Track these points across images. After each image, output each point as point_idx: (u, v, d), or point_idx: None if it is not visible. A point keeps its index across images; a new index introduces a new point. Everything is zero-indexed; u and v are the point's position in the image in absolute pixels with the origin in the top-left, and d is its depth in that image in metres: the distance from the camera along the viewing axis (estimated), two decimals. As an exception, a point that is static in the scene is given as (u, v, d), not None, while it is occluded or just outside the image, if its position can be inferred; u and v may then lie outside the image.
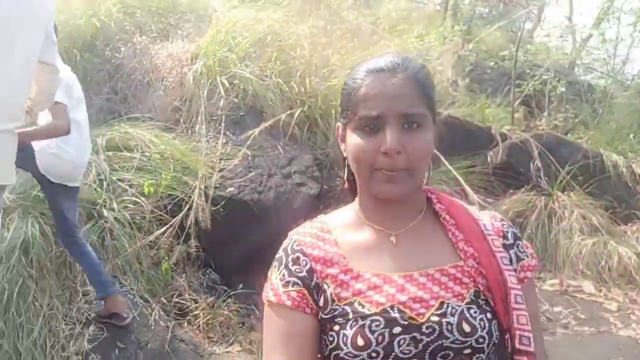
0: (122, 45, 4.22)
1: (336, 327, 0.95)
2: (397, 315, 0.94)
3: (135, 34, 4.33)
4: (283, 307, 0.98)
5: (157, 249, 3.24)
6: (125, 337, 2.83)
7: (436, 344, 0.92)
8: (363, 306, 0.95)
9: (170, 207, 3.35)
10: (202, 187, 3.40)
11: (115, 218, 3.22)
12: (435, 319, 0.94)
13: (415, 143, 0.97)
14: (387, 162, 0.95)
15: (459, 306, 0.96)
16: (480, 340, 0.93)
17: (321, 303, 0.99)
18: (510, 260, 1.06)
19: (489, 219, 1.12)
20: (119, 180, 3.39)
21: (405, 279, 0.99)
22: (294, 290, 0.99)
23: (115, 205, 3.26)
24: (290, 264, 1.01)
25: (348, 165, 1.07)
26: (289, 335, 0.97)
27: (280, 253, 1.04)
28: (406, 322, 0.94)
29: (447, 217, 1.09)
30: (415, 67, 1.01)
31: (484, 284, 1.01)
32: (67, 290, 2.93)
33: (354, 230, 1.07)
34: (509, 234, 1.10)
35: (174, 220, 3.30)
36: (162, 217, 3.31)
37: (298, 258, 1.02)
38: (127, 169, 3.44)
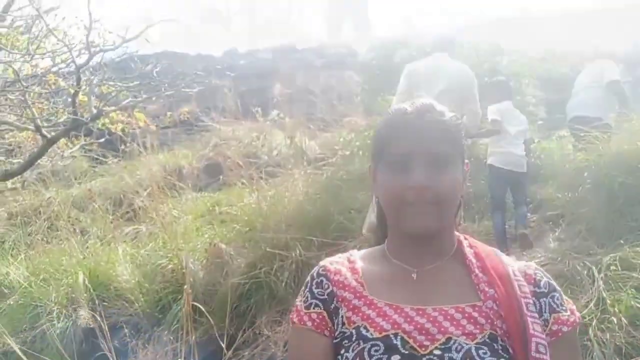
0: None
1: (342, 350, 0.99)
2: (398, 342, 0.93)
3: None
4: (304, 328, 1.04)
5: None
6: None
7: None
8: (367, 330, 0.97)
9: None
10: None
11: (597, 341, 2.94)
12: (438, 352, 0.91)
13: (443, 180, 0.98)
14: (416, 197, 0.98)
15: (467, 344, 0.91)
16: None
17: (335, 326, 1.03)
18: (541, 310, 0.97)
19: (523, 267, 1.04)
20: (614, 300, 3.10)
21: (418, 312, 0.98)
22: (314, 312, 1.04)
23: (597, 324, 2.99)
24: (313, 287, 1.08)
25: (379, 205, 1.10)
26: (309, 356, 1.02)
27: (308, 278, 1.11)
28: (407, 352, 0.92)
29: (474, 260, 1.02)
30: (442, 110, 1.04)
31: (502, 328, 0.92)
32: None
33: (378, 264, 1.08)
34: (542, 283, 1.01)
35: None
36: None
37: (321, 282, 1.07)
38: (620, 289, 3.16)
